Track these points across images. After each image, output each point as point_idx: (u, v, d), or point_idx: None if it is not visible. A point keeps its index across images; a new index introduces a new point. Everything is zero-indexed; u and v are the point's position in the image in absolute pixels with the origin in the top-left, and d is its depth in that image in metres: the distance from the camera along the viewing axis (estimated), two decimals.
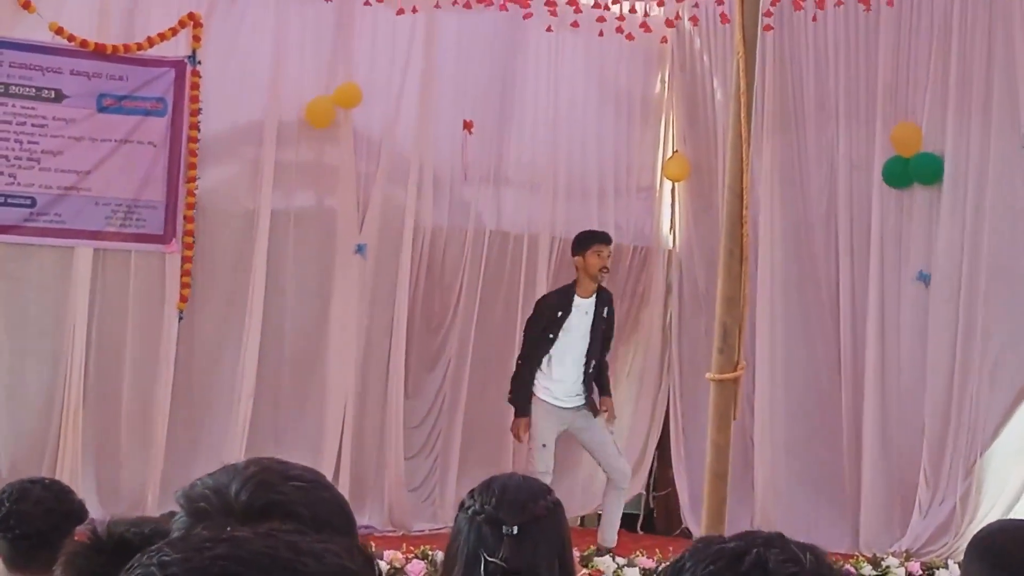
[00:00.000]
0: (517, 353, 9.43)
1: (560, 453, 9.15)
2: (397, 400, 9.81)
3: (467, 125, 10.15)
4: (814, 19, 9.92)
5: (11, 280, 8.77)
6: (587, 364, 9.04)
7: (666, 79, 11.00)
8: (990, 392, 9.36)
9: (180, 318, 9.16)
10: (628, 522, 10.30)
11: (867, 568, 8.70)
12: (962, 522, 9.23)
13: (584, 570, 8.20)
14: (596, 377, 9.15)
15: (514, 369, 9.24)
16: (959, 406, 9.40)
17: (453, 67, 10.18)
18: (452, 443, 10.07)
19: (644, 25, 10.25)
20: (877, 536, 9.54)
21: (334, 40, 9.70)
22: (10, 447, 8.66)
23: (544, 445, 8.87)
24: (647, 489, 10.85)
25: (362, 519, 9.14)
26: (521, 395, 9.02)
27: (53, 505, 3.71)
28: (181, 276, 9.14)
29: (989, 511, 9.03)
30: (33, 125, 8.74)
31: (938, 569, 8.78)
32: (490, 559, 2.80)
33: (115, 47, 8.93)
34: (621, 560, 8.48)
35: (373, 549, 7.38)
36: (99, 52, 8.86)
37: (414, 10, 9.57)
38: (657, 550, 8.77)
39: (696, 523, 9.11)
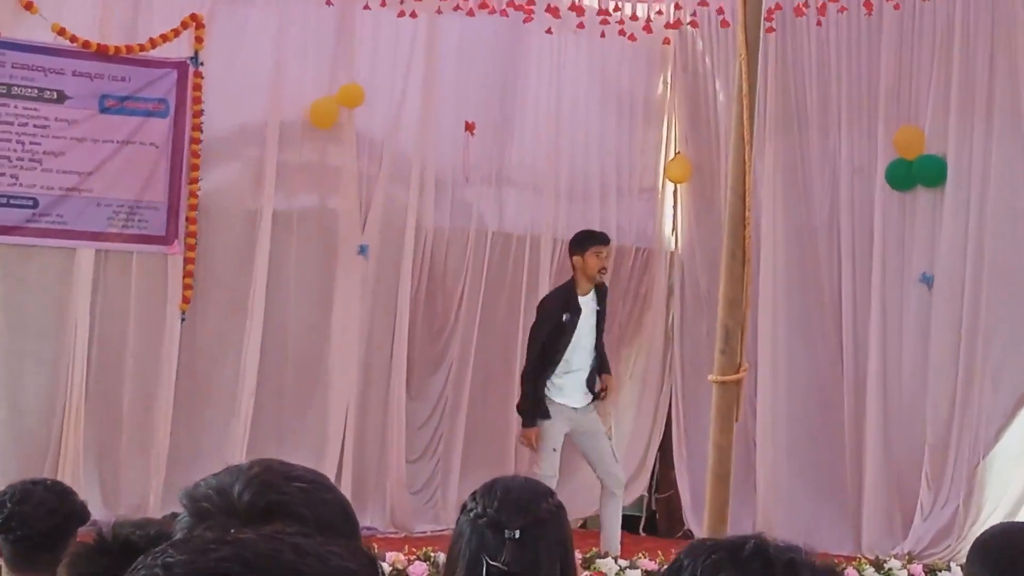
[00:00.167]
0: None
1: (562, 455, 9.13)
2: (399, 401, 9.82)
3: (469, 126, 10.16)
4: (819, 24, 9.91)
5: (13, 281, 8.78)
6: (593, 359, 9.00)
7: (668, 80, 11.00)
8: (993, 394, 9.36)
9: (182, 319, 9.16)
10: (630, 524, 10.30)
11: (869, 570, 8.68)
12: (964, 525, 9.23)
13: (586, 572, 8.19)
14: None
15: (522, 376, 9.11)
16: (962, 408, 9.40)
17: (455, 68, 10.19)
18: (454, 445, 10.06)
19: (646, 27, 10.25)
20: (879, 538, 9.54)
21: (336, 42, 9.71)
22: (12, 448, 8.66)
23: (554, 449, 8.82)
24: (649, 491, 10.85)
25: (364, 520, 9.14)
26: (532, 404, 8.87)
27: (55, 506, 3.70)
28: (183, 277, 9.15)
29: (992, 514, 9.03)
30: (35, 126, 8.75)
31: (940, 572, 8.77)
32: (492, 562, 2.80)
33: (117, 48, 8.93)
34: (623, 562, 8.47)
35: (375, 551, 7.38)
36: (101, 53, 8.87)
37: (413, 15, 9.57)
38: (659, 552, 8.76)
39: (698, 525, 9.11)
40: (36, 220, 8.75)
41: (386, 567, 7.81)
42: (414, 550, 8.15)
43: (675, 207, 11.05)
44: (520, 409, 9.08)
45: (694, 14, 10.44)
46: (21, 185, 8.72)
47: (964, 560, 3.40)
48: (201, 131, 9.22)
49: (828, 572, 1.67)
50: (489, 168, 10.32)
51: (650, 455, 10.79)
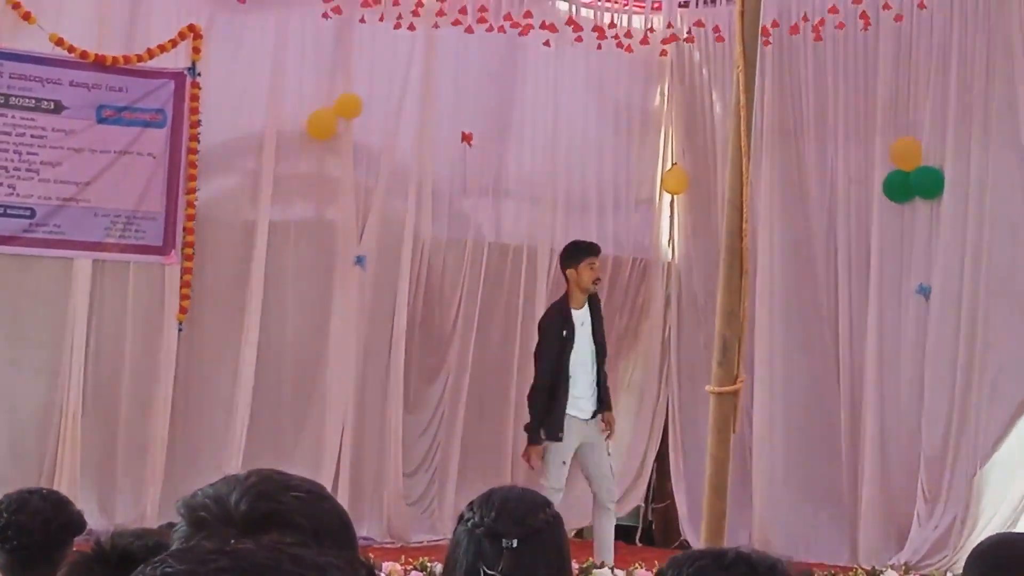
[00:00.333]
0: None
1: None
2: (396, 412, 9.81)
3: (466, 137, 10.17)
4: (818, 39, 9.89)
5: (10, 291, 8.78)
6: (597, 371, 8.98)
7: (665, 92, 11.01)
8: (990, 405, 9.36)
9: (179, 329, 9.16)
10: (627, 534, 10.30)
11: None
12: (961, 535, 9.22)
13: None
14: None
15: (529, 396, 9.03)
16: (959, 419, 9.40)
17: (452, 80, 10.20)
18: (451, 455, 10.06)
19: (643, 39, 10.26)
20: (876, 549, 9.53)
21: (334, 53, 9.72)
22: (8, 458, 8.65)
23: (564, 462, 8.78)
24: (646, 501, 10.84)
25: (361, 531, 9.13)
26: (539, 422, 8.81)
27: (51, 515, 3.70)
28: (180, 287, 9.15)
29: (988, 524, 9.02)
30: (32, 136, 8.75)
31: None
32: (489, 571, 2.79)
33: (115, 58, 8.94)
34: (620, 573, 8.46)
35: (372, 561, 7.37)
36: (99, 63, 8.88)
37: (411, 28, 9.57)
38: (656, 562, 8.74)
39: (695, 535, 9.11)
40: (33, 230, 8.75)
41: None
42: (411, 560, 8.15)
43: (672, 218, 11.06)
44: (527, 428, 9.02)
45: (689, 32, 10.44)
46: (18, 195, 8.72)
47: (961, 571, 3.40)
48: (198, 141, 9.22)
49: None
50: (486, 179, 10.33)
51: (646, 465, 10.78)
